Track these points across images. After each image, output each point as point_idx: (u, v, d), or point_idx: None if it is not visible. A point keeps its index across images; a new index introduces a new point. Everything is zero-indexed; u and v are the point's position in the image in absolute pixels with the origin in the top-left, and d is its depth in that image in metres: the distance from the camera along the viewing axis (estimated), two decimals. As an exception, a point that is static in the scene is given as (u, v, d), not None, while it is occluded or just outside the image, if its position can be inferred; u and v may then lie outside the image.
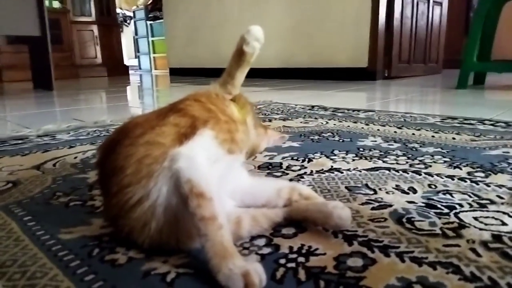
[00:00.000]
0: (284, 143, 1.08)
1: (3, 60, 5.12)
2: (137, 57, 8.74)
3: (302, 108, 1.88)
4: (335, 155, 0.99)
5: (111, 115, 1.90)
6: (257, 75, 4.25)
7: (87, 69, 5.98)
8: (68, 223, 0.61)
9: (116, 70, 6.26)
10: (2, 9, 2.84)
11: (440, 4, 4.36)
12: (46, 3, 3.81)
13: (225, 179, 0.57)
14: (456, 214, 0.60)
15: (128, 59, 8.24)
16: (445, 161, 0.90)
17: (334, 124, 1.43)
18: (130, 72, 6.88)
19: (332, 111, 1.77)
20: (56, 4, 5.65)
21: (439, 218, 0.59)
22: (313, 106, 1.92)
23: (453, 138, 1.15)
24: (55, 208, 0.68)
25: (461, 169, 0.84)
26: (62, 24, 5.60)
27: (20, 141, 1.25)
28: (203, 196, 0.46)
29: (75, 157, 1.03)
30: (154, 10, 7.74)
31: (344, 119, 1.54)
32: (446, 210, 0.62)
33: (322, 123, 1.47)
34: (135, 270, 0.47)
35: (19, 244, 0.54)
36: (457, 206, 0.64)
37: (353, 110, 1.76)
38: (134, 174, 0.48)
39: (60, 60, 5.27)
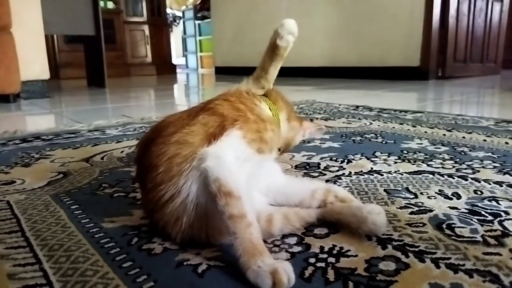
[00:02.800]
0: (323, 136, 1.05)
1: (60, 58, 5.46)
2: (184, 55, 8.98)
3: (346, 108, 1.85)
4: (376, 157, 0.96)
5: (158, 112, 1.97)
6: (302, 74, 4.22)
7: (137, 68, 6.22)
8: (111, 213, 0.64)
9: (164, 69, 6.47)
10: (61, 10, 3.03)
11: (501, 0, 4.10)
12: (101, 4, 4.01)
13: (255, 177, 0.57)
14: (500, 222, 0.57)
15: (176, 58, 8.48)
16: (494, 167, 0.85)
17: (378, 125, 1.39)
18: (178, 70, 7.09)
19: (378, 111, 1.72)
20: (110, 5, 5.93)
21: (482, 225, 0.56)
22: (357, 106, 1.88)
23: (506, 143, 1.08)
24: (100, 198, 0.72)
25: (511, 175, 0.79)
26: (115, 24, 5.86)
27: (72, 135, 1.33)
28: (231, 194, 0.47)
29: (122, 151, 1.09)
30: (203, 9, 7.91)
31: (389, 120, 1.50)
32: (490, 217, 0.59)
33: (365, 123, 1.44)
34: (169, 260, 0.49)
35: (66, 230, 0.58)
36: (502, 213, 0.60)
37: (400, 111, 1.71)
38: (166, 172, 0.50)
39: (113, 59, 5.52)
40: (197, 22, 8.21)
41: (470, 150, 1.01)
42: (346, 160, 0.94)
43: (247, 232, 0.45)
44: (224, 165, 0.49)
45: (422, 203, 0.66)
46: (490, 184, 0.74)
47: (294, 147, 0.76)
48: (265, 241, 0.48)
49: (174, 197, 0.50)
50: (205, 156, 0.50)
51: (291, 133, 0.70)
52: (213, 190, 0.48)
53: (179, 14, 8.95)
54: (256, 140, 0.55)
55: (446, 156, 0.95)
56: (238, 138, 0.53)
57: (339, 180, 0.79)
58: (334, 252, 0.50)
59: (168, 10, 7.75)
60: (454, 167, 0.86)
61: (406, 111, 1.71)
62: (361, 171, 0.85)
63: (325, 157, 0.97)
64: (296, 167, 0.90)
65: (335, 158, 0.96)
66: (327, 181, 0.79)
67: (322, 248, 0.51)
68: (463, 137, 1.17)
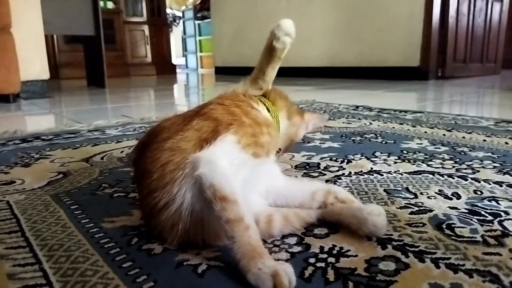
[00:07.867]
0: (323, 136, 1.07)
1: (60, 58, 5.46)
2: (184, 55, 8.98)
3: (346, 108, 1.85)
4: (376, 157, 0.96)
5: (158, 112, 1.97)
6: (302, 74, 4.22)
7: (137, 68, 6.22)
8: (111, 213, 0.64)
9: (164, 69, 6.47)
10: (61, 10, 3.03)
11: (501, 0, 4.10)
12: (101, 4, 4.01)
13: (253, 180, 0.56)
14: (500, 222, 0.57)
15: (176, 58, 8.48)
16: (494, 167, 0.85)
17: (378, 125, 1.39)
18: (177, 70, 7.08)
19: (378, 111, 1.72)
20: (110, 5, 5.93)
21: (482, 225, 0.56)
22: (357, 106, 1.88)
23: (506, 143, 1.08)
24: (100, 198, 0.72)
25: (511, 175, 0.79)
26: (115, 24, 5.86)
27: (72, 135, 1.33)
28: (227, 199, 0.46)
29: (122, 151, 1.09)
30: (203, 9, 7.91)
31: (389, 120, 1.50)
32: (490, 218, 0.59)
33: (365, 123, 1.44)
34: (169, 260, 0.49)
35: (65, 230, 0.58)
36: (502, 213, 0.60)
37: (400, 111, 1.71)
38: (159, 180, 0.50)
39: (113, 59, 5.52)
40: (197, 22, 8.21)
41: (470, 150, 1.01)
42: (346, 160, 0.94)
43: (245, 235, 0.45)
44: (218, 170, 0.48)
45: (422, 203, 0.66)
46: (490, 184, 0.74)
47: (298, 141, 0.76)
48: (264, 241, 0.48)
49: (169, 205, 0.49)
50: (197, 162, 0.49)
51: (292, 129, 0.70)
52: (208, 196, 0.47)
53: (179, 14, 8.94)
54: (251, 144, 0.54)
55: (446, 156, 0.95)
56: (232, 143, 0.52)
57: (339, 180, 0.79)
58: (334, 252, 0.50)
59: (168, 10, 7.75)
60: (454, 167, 0.86)
61: (406, 111, 1.71)
62: (361, 171, 0.85)
63: (325, 157, 0.97)
64: (296, 167, 0.90)
65: (335, 158, 0.96)
66: (327, 181, 0.79)
67: (322, 248, 0.51)
68: (463, 137, 1.17)
